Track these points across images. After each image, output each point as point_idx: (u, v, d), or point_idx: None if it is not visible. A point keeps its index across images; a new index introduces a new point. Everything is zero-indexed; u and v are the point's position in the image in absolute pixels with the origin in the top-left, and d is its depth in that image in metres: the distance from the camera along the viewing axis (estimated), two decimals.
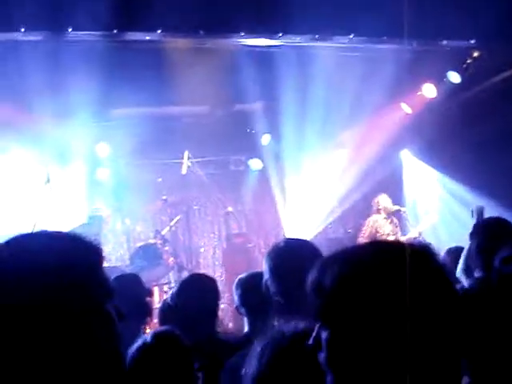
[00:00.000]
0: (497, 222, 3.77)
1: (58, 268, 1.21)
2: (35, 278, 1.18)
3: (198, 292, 3.39)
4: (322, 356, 1.30)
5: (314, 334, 1.33)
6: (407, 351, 1.18)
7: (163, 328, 2.61)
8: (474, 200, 8.41)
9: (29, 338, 1.16)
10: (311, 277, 1.32)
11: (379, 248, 1.39)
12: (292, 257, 2.72)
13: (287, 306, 2.67)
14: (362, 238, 8.73)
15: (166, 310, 3.44)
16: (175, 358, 2.33)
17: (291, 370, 1.57)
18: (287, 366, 1.59)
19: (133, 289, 4.04)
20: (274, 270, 2.73)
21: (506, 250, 2.61)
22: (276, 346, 1.63)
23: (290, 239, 3.07)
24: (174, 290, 3.54)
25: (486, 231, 3.63)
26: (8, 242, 1.28)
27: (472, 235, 3.67)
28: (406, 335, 1.18)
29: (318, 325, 1.32)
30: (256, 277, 3.33)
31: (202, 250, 10.90)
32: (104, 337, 1.25)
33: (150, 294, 4.42)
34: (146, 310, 4.14)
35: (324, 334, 1.29)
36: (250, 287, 3.44)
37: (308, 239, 3.02)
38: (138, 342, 2.31)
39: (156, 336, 2.33)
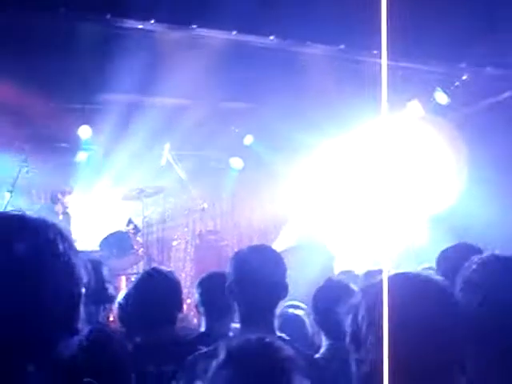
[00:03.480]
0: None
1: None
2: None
3: (155, 290, 3.36)
4: None
5: None
6: None
7: (99, 329, 2.55)
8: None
9: None
10: None
11: None
12: (254, 267, 2.76)
13: (246, 313, 2.72)
14: None
15: (123, 307, 3.40)
16: (108, 361, 2.26)
17: None
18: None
19: (93, 273, 4.00)
20: (237, 276, 2.76)
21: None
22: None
23: (255, 247, 3.08)
24: (130, 286, 3.48)
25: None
26: None
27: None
28: None
29: None
30: (218, 277, 3.32)
31: (174, 243, 10.87)
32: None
33: (111, 281, 4.37)
34: (105, 297, 4.09)
35: None
36: (210, 287, 3.43)
37: (273, 247, 3.04)
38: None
39: (89, 337, 2.25)
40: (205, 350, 2.62)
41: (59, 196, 8.08)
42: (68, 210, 8.34)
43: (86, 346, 2.20)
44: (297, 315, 3.92)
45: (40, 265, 1.29)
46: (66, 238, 1.36)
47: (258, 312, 2.69)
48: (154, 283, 3.40)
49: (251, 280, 2.71)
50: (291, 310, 3.96)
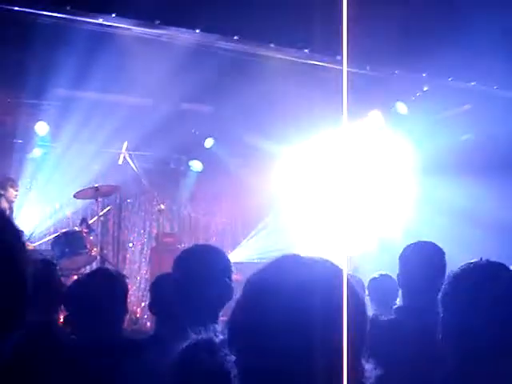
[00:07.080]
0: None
1: None
2: None
3: (102, 288, 3.26)
4: None
5: None
6: None
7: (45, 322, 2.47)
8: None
9: None
10: None
11: None
12: (193, 267, 2.73)
13: (187, 315, 2.64)
14: None
15: (71, 304, 3.30)
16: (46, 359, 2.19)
17: None
18: None
19: (44, 275, 3.88)
20: (178, 277, 2.76)
21: None
22: None
23: (196, 247, 3.02)
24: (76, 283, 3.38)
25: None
26: None
27: None
28: None
29: None
30: (170, 279, 3.24)
31: (130, 244, 10.71)
32: None
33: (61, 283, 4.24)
34: (57, 298, 3.97)
35: None
36: (162, 288, 3.35)
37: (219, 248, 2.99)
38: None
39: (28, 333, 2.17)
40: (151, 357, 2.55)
41: (1, 191, 7.81)
42: (13, 205, 8.08)
43: (30, 338, 2.11)
44: None
45: None
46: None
47: (198, 314, 2.60)
48: (97, 282, 3.30)
49: (191, 280, 2.67)
50: None
